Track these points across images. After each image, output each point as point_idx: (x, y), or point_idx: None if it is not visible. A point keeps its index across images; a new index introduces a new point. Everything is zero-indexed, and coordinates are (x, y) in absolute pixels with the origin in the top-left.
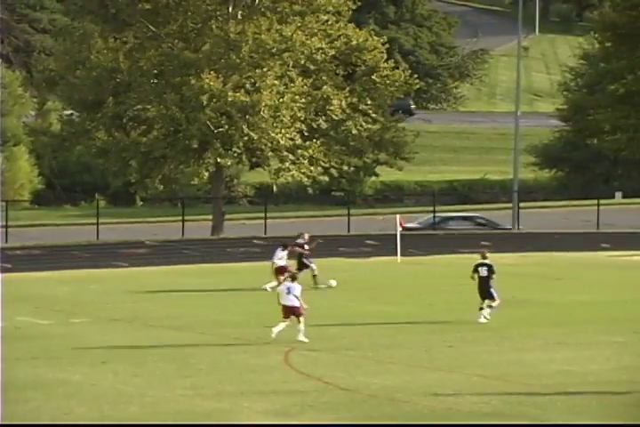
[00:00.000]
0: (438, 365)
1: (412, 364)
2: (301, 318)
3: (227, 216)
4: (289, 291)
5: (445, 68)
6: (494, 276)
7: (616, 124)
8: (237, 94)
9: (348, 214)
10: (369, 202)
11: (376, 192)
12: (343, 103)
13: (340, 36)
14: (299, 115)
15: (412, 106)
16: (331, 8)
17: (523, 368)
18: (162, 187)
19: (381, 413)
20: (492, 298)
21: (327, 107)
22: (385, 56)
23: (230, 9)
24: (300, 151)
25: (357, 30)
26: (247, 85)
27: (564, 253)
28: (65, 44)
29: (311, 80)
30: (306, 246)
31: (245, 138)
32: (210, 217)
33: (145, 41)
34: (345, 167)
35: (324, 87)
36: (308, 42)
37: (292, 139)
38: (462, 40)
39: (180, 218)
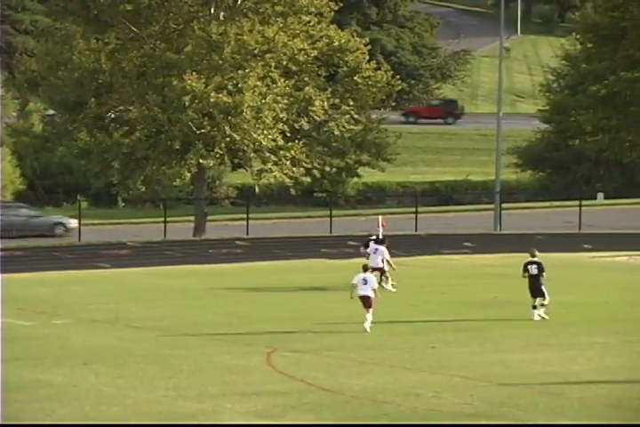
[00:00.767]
0: (420, 366)
1: (395, 365)
2: (370, 309)
3: (209, 217)
4: (365, 282)
5: (427, 69)
6: (544, 274)
7: (598, 126)
8: (220, 95)
9: (330, 215)
10: (351, 203)
11: (358, 193)
12: (325, 104)
13: (322, 37)
14: (281, 116)
15: (461, 107)
16: (313, 9)
17: (505, 369)
18: (144, 188)
19: (364, 413)
20: (543, 296)
21: (309, 108)
22: (367, 57)
23: (212, 10)
24: (282, 152)
25: (339, 31)
26: (229, 86)
27: (545, 255)
28: (47, 45)
29: (293, 81)
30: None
31: (227, 139)
32: (192, 218)
33: (127, 42)
34: (327, 168)
35: (307, 88)
36: (291, 43)
37: (274, 140)
38: (444, 41)
39: (162, 219)
